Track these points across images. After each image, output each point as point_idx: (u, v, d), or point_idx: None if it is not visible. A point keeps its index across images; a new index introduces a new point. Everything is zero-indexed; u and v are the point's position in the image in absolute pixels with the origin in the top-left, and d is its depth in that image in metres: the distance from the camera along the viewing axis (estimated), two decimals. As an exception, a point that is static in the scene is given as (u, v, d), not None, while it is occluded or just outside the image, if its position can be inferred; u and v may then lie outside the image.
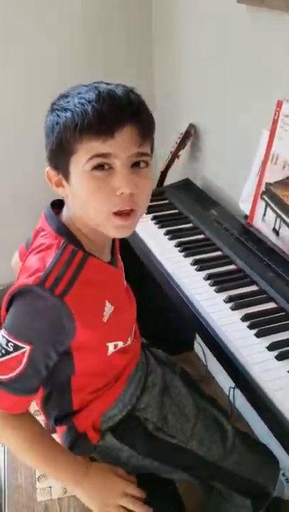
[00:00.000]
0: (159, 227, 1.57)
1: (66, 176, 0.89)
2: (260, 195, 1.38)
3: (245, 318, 1.14)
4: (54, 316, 0.88)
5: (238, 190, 1.50)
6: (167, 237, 1.51)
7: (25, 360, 0.88)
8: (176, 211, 1.67)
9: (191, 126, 1.82)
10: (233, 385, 1.83)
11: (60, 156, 0.88)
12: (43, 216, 0.98)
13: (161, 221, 1.59)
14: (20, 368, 0.88)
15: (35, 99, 1.52)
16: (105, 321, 0.96)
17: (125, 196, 0.87)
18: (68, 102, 0.86)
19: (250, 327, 1.12)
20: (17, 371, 0.88)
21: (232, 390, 1.89)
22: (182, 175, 1.93)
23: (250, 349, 1.07)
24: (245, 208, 1.46)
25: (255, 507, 1.18)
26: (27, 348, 0.87)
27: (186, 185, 1.81)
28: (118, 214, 0.88)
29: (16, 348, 0.87)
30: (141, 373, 1.16)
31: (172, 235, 1.51)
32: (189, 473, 1.15)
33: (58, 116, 0.86)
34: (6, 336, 0.88)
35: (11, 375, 0.88)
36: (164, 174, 1.87)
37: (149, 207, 1.67)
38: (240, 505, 1.19)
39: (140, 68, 2.10)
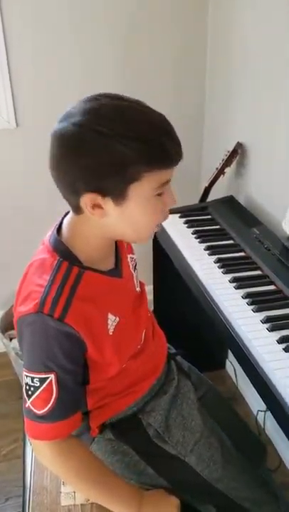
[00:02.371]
0: (199, 242, 1.57)
1: (118, 199, 0.87)
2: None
3: (281, 341, 1.12)
4: (61, 338, 0.88)
5: (282, 210, 1.48)
6: (207, 252, 1.51)
7: (54, 388, 0.90)
8: (218, 227, 1.67)
9: (239, 144, 1.81)
10: (261, 408, 1.82)
11: (117, 182, 0.86)
12: (54, 226, 1.00)
13: (202, 236, 1.59)
14: (54, 396, 0.90)
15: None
16: (111, 333, 0.96)
17: (168, 209, 0.94)
18: (130, 129, 0.83)
19: (287, 350, 1.10)
20: (52, 400, 0.90)
21: (261, 413, 1.87)
22: (227, 192, 1.93)
23: (286, 372, 1.05)
24: (288, 229, 1.45)
25: None
26: (51, 376, 0.89)
27: (229, 202, 1.81)
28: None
29: (42, 381, 0.89)
30: (157, 382, 1.17)
31: (212, 250, 1.51)
32: (183, 489, 1.12)
33: (123, 145, 0.82)
34: (29, 374, 0.91)
35: (48, 406, 0.90)
36: (207, 190, 1.87)
37: (191, 221, 1.69)
38: None
39: (192, 86, 2.12)
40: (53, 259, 0.93)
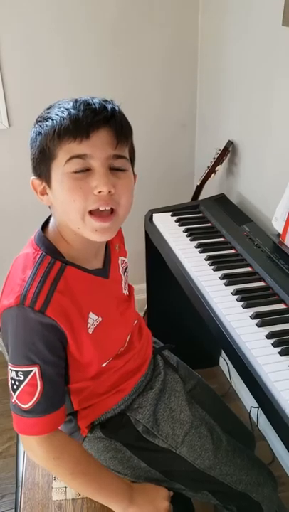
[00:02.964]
0: (190, 240, 1.58)
1: (48, 182, 0.92)
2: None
3: (270, 336, 1.13)
4: (42, 330, 0.90)
5: (272, 208, 1.50)
6: (198, 250, 1.52)
7: (39, 381, 0.91)
8: (209, 225, 1.68)
9: (230, 142, 1.83)
10: (254, 404, 1.83)
11: (42, 163, 0.91)
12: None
13: (193, 234, 1.60)
14: (38, 389, 0.91)
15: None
16: (91, 332, 0.97)
17: (103, 195, 0.88)
18: (49, 112, 0.91)
19: (275, 345, 1.11)
20: (37, 394, 0.91)
21: (254, 409, 1.88)
22: (218, 190, 1.94)
23: (274, 367, 1.06)
24: (278, 226, 1.46)
25: None
26: (35, 369, 0.90)
27: (220, 200, 1.82)
28: (96, 215, 0.89)
29: (26, 374, 0.91)
30: (144, 378, 1.18)
31: (203, 248, 1.52)
32: (177, 479, 1.14)
33: (40, 126, 0.91)
34: (13, 368, 0.92)
35: (33, 400, 0.91)
36: (199, 188, 1.89)
37: (183, 219, 1.70)
38: None
39: (184, 85, 2.13)
40: (36, 253, 0.95)
